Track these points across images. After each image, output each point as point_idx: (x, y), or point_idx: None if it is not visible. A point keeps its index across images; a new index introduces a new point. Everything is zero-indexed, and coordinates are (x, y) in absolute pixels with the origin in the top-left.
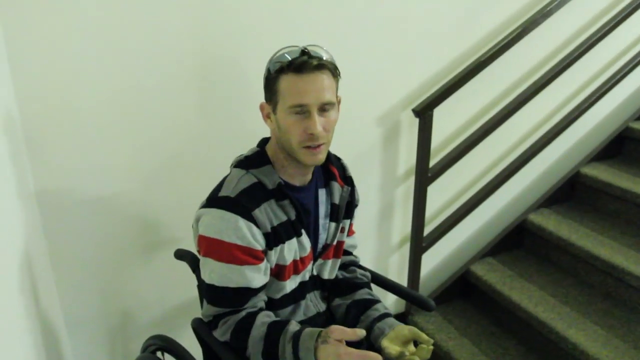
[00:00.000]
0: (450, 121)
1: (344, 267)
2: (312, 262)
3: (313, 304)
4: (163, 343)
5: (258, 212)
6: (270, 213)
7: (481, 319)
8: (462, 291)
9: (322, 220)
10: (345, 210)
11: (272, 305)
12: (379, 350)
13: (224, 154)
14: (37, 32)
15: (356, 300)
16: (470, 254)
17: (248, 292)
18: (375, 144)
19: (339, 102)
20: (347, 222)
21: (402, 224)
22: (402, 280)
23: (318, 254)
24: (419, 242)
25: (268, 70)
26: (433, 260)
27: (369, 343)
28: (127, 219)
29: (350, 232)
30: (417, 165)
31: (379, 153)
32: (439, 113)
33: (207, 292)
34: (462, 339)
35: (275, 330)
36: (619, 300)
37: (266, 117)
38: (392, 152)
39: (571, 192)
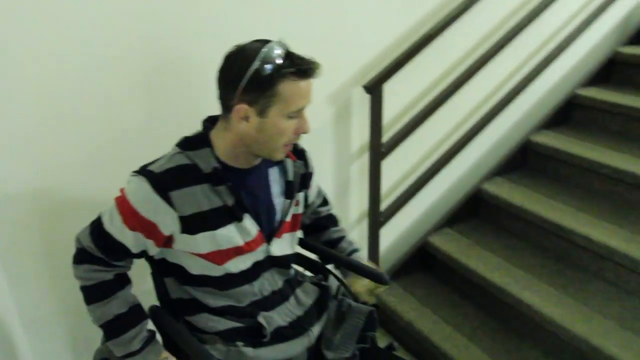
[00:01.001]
0: (402, 96)
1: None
2: (264, 243)
3: (269, 282)
4: None
5: (177, 193)
6: (201, 197)
7: (441, 288)
8: (422, 263)
9: (276, 199)
10: (301, 182)
11: (218, 284)
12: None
13: (168, 144)
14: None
15: (325, 241)
16: (428, 226)
17: (125, 252)
18: (327, 123)
19: None
20: (301, 194)
21: (359, 200)
22: (362, 255)
23: (273, 232)
24: (376, 217)
25: (257, 71)
26: (392, 234)
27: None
28: (76, 215)
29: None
30: (370, 140)
31: (332, 131)
32: (390, 88)
33: (95, 223)
34: (423, 309)
35: (135, 317)
36: (570, 261)
37: (243, 119)
38: (344, 129)
39: (523, 160)
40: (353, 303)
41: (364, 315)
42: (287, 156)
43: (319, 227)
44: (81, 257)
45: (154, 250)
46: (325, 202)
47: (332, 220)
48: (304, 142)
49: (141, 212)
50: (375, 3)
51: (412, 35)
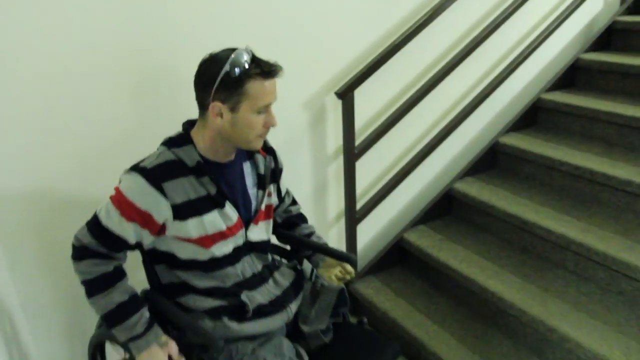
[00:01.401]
0: (374, 101)
1: (287, 220)
2: (243, 228)
3: (249, 265)
4: None
5: (168, 184)
6: (188, 188)
7: (415, 281)
8: (398, 258)
9: (251, 190)
10: (272, 176)
11: (205, 267)
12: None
13: (155, 146)
14: None
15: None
16: (404, 224)
17: (123, 243)
18: (303, 127)
19: None
20: (272, 186)
21: (337, 200)
22: (341, 249)
23: (250, 219)
24: (353, 215)
25: (227, 73)
26: (369, 232)
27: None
28: (74, 213)
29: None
30: (344, 143)
31: (308, 135)
32: (362, 94)
33: (92, 221)
34: (398, 299)
35: (135, 304)
36: (533, 252)
37: (218, 115)
38: (320, 133)
39: (493, 161)
40: (325, 283)
41: (335, 293)
42: (258, 152)
43: (290, 224)
44: (82, 253)
45: (148, 239)
46: (294, 202)
47: (302, 218)
48: (283, 146)
49: (137, 204)
50: (346, 17)
51: (382, 45)
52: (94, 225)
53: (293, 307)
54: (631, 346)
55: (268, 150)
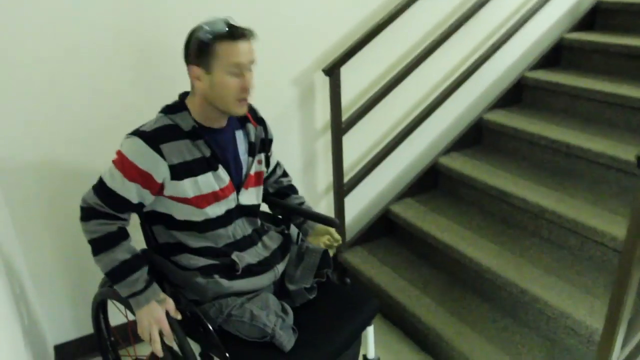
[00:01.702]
0: (361, 77)
1: (278, 190)
2: (235, 192)
3: (240, 228)
4: None
5: (166, 146)
6: (184, 150)
7: (400, 250)
8: (384, 229)
9: (243, 156)
10: (261, 145)
11: (199, 228)
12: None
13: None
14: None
15: (282, 206)
16: (390, 197)
17: (127, 204)
18: (293, 103)
19: None
20: (262, 155)
21: (325, 173)
22: None
23: (240, 183)
24: (341, 187)
25: (200, 39)
26: (358, 205)
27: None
28: (75, 177)
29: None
30: (331, 119)
31: (297, 111)
32: (349, 71)
33: (98, 184)
34: (383, 267)
35: (137, 263)
36: (512, 223)
37: (196, 78)
38: (309, 109)
39: (479, 136)
40: (310, 246)
41: (319, 254)
42: (249, 122)
43: (281, 194)
44: (88, 214)
45: (149, 199)
46: (285, 174)
47: (292, 189)
48: (273, 121)
49: (138, 164)
50: None
51: (369, 23)
52: (100, 187)
53: (280, 267)
54: (595, 305)
55: (259, 120)
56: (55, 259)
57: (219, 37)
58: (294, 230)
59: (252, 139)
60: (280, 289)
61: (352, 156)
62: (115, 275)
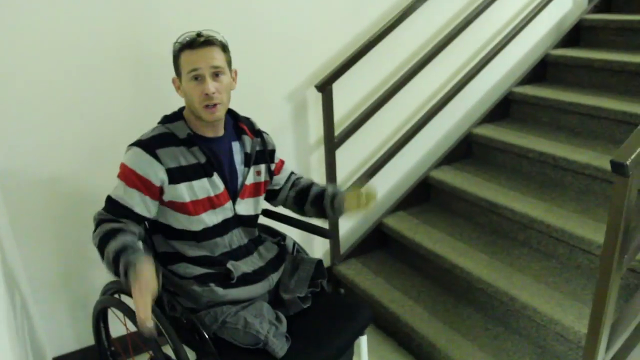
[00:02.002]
0: (353, 93)
1: (298, 190)
2: (230, 200)
3: (237, 238)
4: (118, 286)
5: (162, 151)
6: (180, 156)
7: (394, 262)
8: (378, 241)
9: (239, 166)
10: (259, 156)
11: (196, 237)
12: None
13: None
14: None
15: (312, 199)
16: (383, 211)
17: (129, 212)
18: (286, 119)
19: (235, 74)
20: (262, 166)
21: None
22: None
23: (237, 193)
24: None
25: (173, 52)
26: (352, 219)
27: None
28: (77, 190)
29: (278, 169)
30: (324, 134)
31: (291, 126)
32: (341, 87)
33: (106, 199)
34: (377, 279)
35: (129, 247)
36: (502, 233)
37: (177, 88)
38: (302, 124)
39: (468, 150)
40: (305, 256)
41: (313, 264)
42: (246, 134)
43: (305, 189)
44: (96, 224)
45: (153, 209)
46: (299, 176)
47: (311, 182)
48: (268, 133)
49: (137, 171)
50: (327, 14)
51: (360, 41)
52: (106, 200)
53: (274, 277)
54: (583, 311)
55: (256, 132)
56: (55, 271)
57: (182, 46)
58: (289, 240)
59: (248, 150)
60: (275, 298)
61: (345, 170)
62: (112, 269)
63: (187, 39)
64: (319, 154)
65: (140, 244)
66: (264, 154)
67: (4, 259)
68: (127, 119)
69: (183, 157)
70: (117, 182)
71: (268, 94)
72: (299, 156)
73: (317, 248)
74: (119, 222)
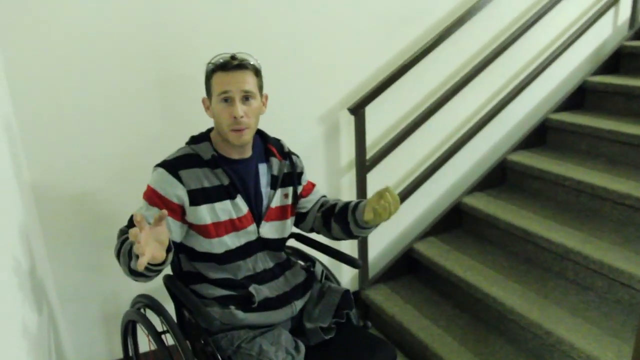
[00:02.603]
0: (386, 116)
1: (325, 209)
2: (254, 223)
3: (261, 261)
4: (146, 301)
5: (184, 172)
6: (202, 177)
7: (423, 288)
8: (407, 267)
9: (264, 189)
10: (287, 179)
11: (218, 259)
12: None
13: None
14: (29, 51)
15: (337, 214)
16: (413, 236)
17: None
18: (319, 140)
19: (265, 98)
20: (290, 189)
21: None
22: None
23: (262, 215)
24: None
25: (206, 72)
26: (381, 242)
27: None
28: (106, 206)
29: (307, 191)
30: (356, 156)
31: (323, 148)
32: (374, 110)
33: (128, 220)
34: (406, 305)
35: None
36: (536, 262)
37: (207, 108)
38: (334, 146)
39: (502, 177)
40: (332, 285)
41: (339, 294)
42: (274, 156)
43: (331, 207)
44: (117, 238)
45: (176, 230)
46: (328, 198)
47: (338, 200)
48: (300, 154)
49: (159, 191)
50: (360, 38)
51: (395, 64)
52: (129, 219)
53: (298, 304)
54: (623, 350)
55: (285, 154)
56: (84, 283)
57: (215, 68)
58: (318, 267)
59: (275, 172)
60: (297, 326)
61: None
62: (126, 267)
63: (221, 60)
64: (350, 177)
65: None
66: (292, 177)
67: (34, 269)
68: (155, 140)
69: (206, 179)
70: (141, 202)
71: (301, 115)
72: (330, 178)
73: (346, 272)
74: None
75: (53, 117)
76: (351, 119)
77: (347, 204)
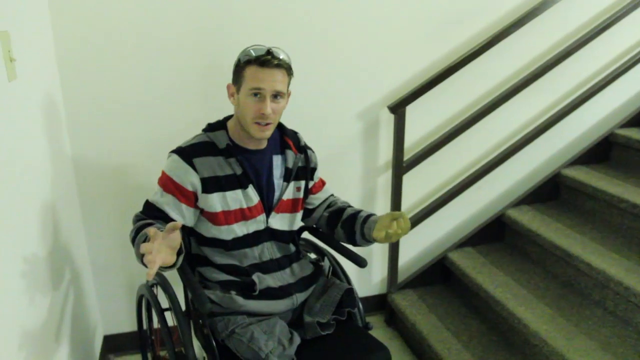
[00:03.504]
0: (428, 118)
1: (333, 210)
2: (264, 213)
3: (268, 251)
4: (159, 279)
5: (198, 160)
6: (216, 165)
7: (452, 300)
8: (439, 275)
9: (277, 180)
10: (300, 173)
11: (226, 245)
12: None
13: None
14: (80, 38)
15: (344, 220)
16: (449, 244)
17: (164, 216)
18: (356, 137)
19: (288, 95)
20: (302, 182)
21: (383, 211)
22: (384, 260)
23: (272, 206)
24: None
25: (238, 60)
26: (414, 248)
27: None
28: (141, 184)
29: (317, 188)
30: (393, 156)
31: (360, 145)
32: (416, 110)
33: (143, 205)
34: (430, 315)
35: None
36: (576, 288)
37: (230, 95)
38: (372, 144)
39: (554, 192)
40: (337, 281)
41: (341, 291)
42: (290, 149)
43: (339, 210)
44: (133, 223)
45: (189, 216)
46: (338, 198)
47: (348, 204)
48: (336, 152)
49: (174, 178)
50: (407, 35)
51: (441, 65)
52: (144, 204)
53: (300, 296)
54: None
55: (300, 148)
56: (116, 253)
57: (250, 60)
58: (326, 262)
59: (290, 165)
60: (297, 318)
61: (412, 197)
62: (135, 249)
63: (258, 54)
64: (386, 178)
65: None
66: (306, 171)
67: (70, 239)
68: (193, 127)
69: (219, 167)
70: (156, 187)
71: (340, 110)
72: (365, 177)
73: (375, 274)
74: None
75: (97, 98)
76: (391, 117)
77: (356, 214)
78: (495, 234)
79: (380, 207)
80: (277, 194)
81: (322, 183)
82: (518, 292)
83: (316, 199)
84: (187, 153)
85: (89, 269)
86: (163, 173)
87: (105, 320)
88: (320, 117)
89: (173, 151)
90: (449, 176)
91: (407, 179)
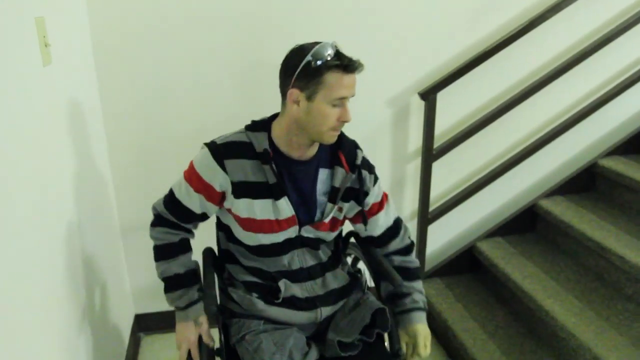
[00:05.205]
0: (460, 105)
1: (396, 267)
2: (297, 225)
3: (299, 259)
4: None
5: (230, 162)
6: (248, 169)
7: (479, 290)
8: (467, 265)
9: (320, 197)
10: (348, 194)
11: (251, 251)
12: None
13: None
14: (116, 24)
15: (393, 293)
16: (479, 234)
17: (191, 215)
18: (386, 123)
19: None
20: (347, 205)
21: (412, 198)
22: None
23: (307, 222)
24: (425, 214)
25: (309, 62)
26: (443, 236)
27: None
28: (176, 168)
29: (371, 214)
30: (423, 143)
31: (390, 132)
32: (449, 97)
33: (167, 194)
34: (457, 304)
35: (187, 280)
36: (608, 281)
37: (293, 102)
38: (402, 131)
39: (590, 183)
40: (371, 298)
41: (371, 311)
42: (341, 166)
43: (391, 276)
44: (156, 221)
45: (212, 211)
46: (407, 252)
47: (411, 275)
48: (365, 137)
49: (202, 176)
50: (440, 20)
51: (473, 51)
52: (168, 197)
53: (325, 310)
54: None
55: (354, 168)
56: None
57: (330, 66)
58: (364, 276)
59: (337, 183)
60: (321, 333)
61: (441, 185)
62: (166, 285)
63: (343, 61)
64: (415, 165)
65: (192, 261)
66: (356, 193)
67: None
68: (228, 122)
69: (252, 172)
70: (181, 179)
71: (369, 95)
72: (394, 164)
73: None
74: (181, 230)
75: (132, 83)
76: (421, 104)
77: (403, 298)
78: (526, 225)
79: (409, 194)
80: (318, 212)
81: (379, 207)
82: (547, 283)
83: (372, 228)
84: (220, 152)
85: (122, 251)
86: (191, 165)
87: (137, 299)
88: (351, 101)
89: (207, 144)
90: (479, 165)
91: (437, 166)
